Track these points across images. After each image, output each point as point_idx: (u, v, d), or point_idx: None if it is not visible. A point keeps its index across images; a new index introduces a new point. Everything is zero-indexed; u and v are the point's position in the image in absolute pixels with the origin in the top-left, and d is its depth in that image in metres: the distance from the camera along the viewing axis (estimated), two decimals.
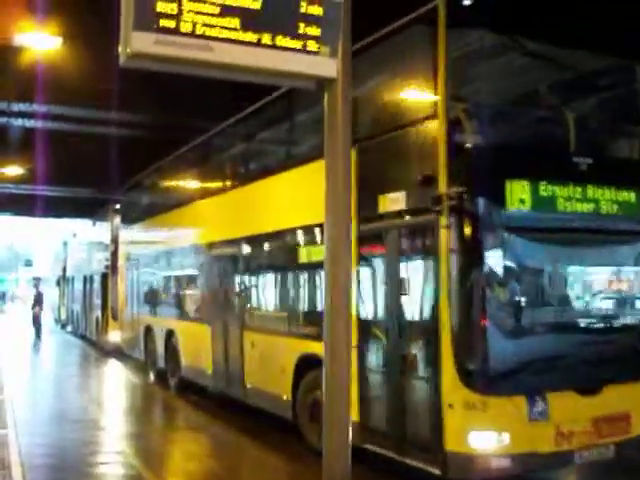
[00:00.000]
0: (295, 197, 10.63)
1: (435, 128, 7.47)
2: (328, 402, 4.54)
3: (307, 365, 9.72)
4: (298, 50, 4.44)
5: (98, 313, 25.61)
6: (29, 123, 19.77)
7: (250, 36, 4.29)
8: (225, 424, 12.08)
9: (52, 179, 26.17)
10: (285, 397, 10.36)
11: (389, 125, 8.60)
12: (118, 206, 24.90)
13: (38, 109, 18.57)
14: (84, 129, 20.69)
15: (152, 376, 17.09)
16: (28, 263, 68.07)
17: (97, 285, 26.12)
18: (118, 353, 22.40)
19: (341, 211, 4.59)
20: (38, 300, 31.21)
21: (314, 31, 4.49)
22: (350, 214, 4.72)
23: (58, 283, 38.06)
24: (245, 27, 4.28)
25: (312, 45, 4.49)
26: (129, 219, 21.05)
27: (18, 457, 9.21)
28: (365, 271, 8.78)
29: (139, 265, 19.12)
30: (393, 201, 8.18)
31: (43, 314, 30.56)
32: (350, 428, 4.60)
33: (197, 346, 14.06)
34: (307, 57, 4.48)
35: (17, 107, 18.56)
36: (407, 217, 8.09)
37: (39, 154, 22.16)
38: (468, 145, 7.40)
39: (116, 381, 18.63)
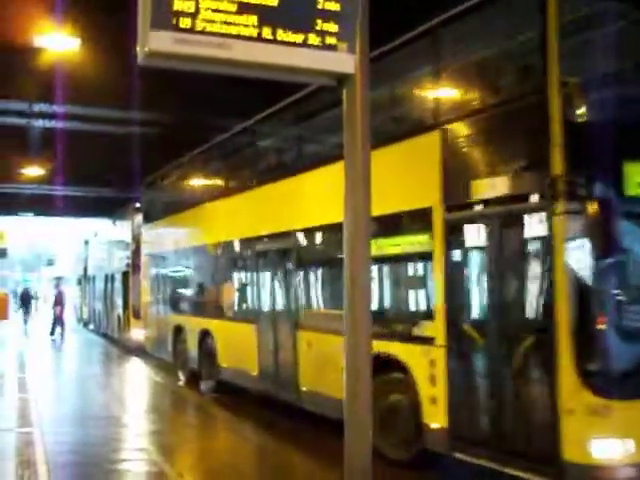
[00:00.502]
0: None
1: (545, 105, 6.76)
2: (348, 395, 4.55)
3: (380, 367, 8.66)
4: (316, 47, 4.43)
5: (119, 311, 25.74)
6: (49, 124, 19.89)
7: (267, 33, 4.29)
8: (259, 426, 11.73)
9: (72, 179, 26.33)
10: None
11: (485, 103, 7.94)
12: (138, 205, 24.99)
13: (58, 110, 18.69)
14: (104, 129, 20.79)
15: (182, 378, 16.39)
16: (50, 263, 68.48)
17: (118, 284, 26.25)
18: (140, 351, 22.50)
19: (360, 208, 4.59)
20: (59, 300, 30.82)
21: (331, 27, 4.48)
22: (369, 211, 4.69)
23: (79, 282, 38.29)
24: (262, 24, 4.28)
25: (330, 41, 4.48)
26: (152, 216, 20.33)
27: (43, 455, 9.29)
28: (454, 263, 8.06)
29: (166, 263, 18.49)
30: (490, 186, 7.48)
31: (65, 314, 30.44)
32: (371, 423, 4.59)
33: (239, 346, 13.42)
34: (325, 53, 4.47)
35: (37, 108, 18.68)
36: (509, 204, 7.33)
37: (59, 154, 22.27)
38: (585, 123, 6.74)
39: (138, 379, 18.71)
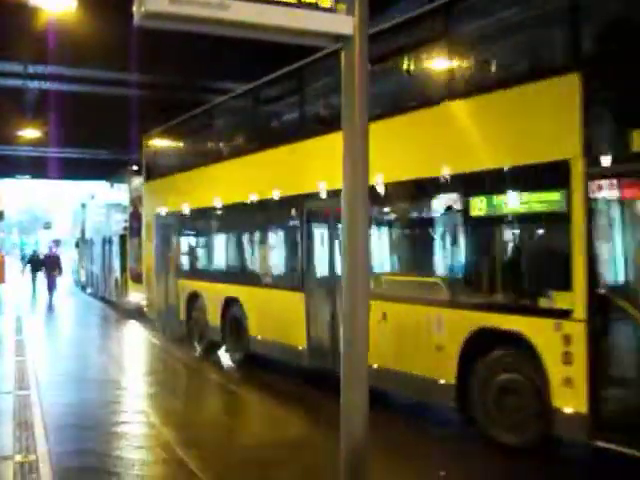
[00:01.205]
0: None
1: None
2: (345, 359, 4.55)
3: (483, 342, 8.16)
4: (314, 7, 4.38)
5: (117, 275, 25.78)
6: (45, 85, 19.78)
7: None
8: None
9: (69, 141, 26.27)
10: (443, 381, 8.66)
11: None
12: (136, 167, 24.90)
13: (54, 71, 18.59)
14: (100, 90, 20.72)
15: (198, 349, 15.40)
16: (47, 226, 68.39)
17: (116, 247, 26.25)
18: (138, 314, 22.57)
19: (359, 175, 4.54)
20: (49, 262, 29.82)
21: None
22: (367, 179, 4.63)
23: (77, 245, 38.30)
24: None
25: (327, 2, 4.43)
26: (157, 172, 18.64)
27: (41, 417, 9.35)
28: (599, 225, 7.14)
29: (178, 224, 16.81)
30: None
31: (60, 278, 29.97)
32: (367, 385, 4.58)
33: (279, 317, 12.15)
34: (323, 14, 4.41)
35: (33, 69, 18.56)
36: None
37: (55, 116, 22.20)
38: None
39: (136, 342, 18.75)
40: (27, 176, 36.84)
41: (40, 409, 9.82)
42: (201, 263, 15.98)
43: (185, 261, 16.66)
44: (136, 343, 18.53)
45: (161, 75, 18.80)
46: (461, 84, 8.84)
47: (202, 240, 16.11)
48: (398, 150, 9.51)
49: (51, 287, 28.57)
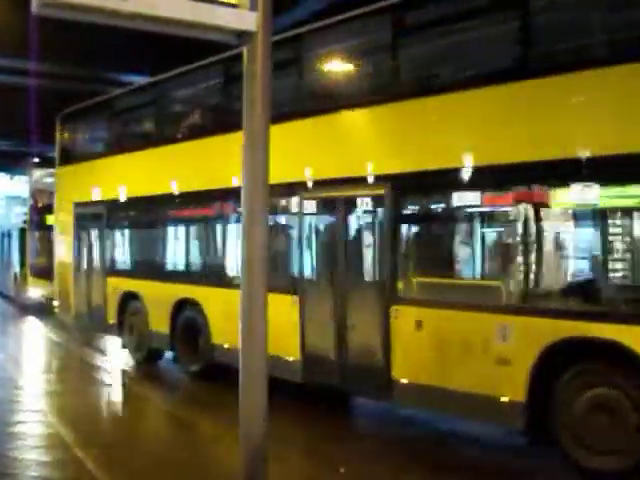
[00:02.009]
0: None
1: None
2: (244, 359, 4.52)
3: (563, 354, 7.16)
4: (216, 2, 4.33)
5: (16, 269, 25.10)
6: None
7: None
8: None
9: None
10: (506, 399, 7.53)
11: None
12: (37, 159, 24.38)
13: None
14: (1, 80, 20.11)
15: (137, 357, 13.78)
16: None
17: (15, 240, 25.56)
18: (37, 310, 22.04)
19: (258, 170, 4.53)
20: None
21: None
22: (267, 174, 4.61)
23: None
24: None
25: None
26: (78, 154, 16.74)
27: None
28: None
29: (109, 213, 14.64)
30: None
31: None
32: (267, 385, 4.57)
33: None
34: (225, 9, 4.37)
35: None
36: None
37: None
38: None
39: (35, 339, 18.28)
40: None
41: None
42: (141, 259, 14.20)
43: (117, 256, 14.77)
44: (35, 340, 18.05)
45: (62, 65, 18.37)
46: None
47: (143, 232, 14.32)
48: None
49: None
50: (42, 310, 22.27)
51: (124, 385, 12.00)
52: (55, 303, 17.03)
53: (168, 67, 12.71)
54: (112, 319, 14.20)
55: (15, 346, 17.06)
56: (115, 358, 14.33)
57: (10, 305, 25.25)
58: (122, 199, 14.13)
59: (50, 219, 23.68)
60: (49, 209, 23.75)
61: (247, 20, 4.44)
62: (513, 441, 8.20)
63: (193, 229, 12.75)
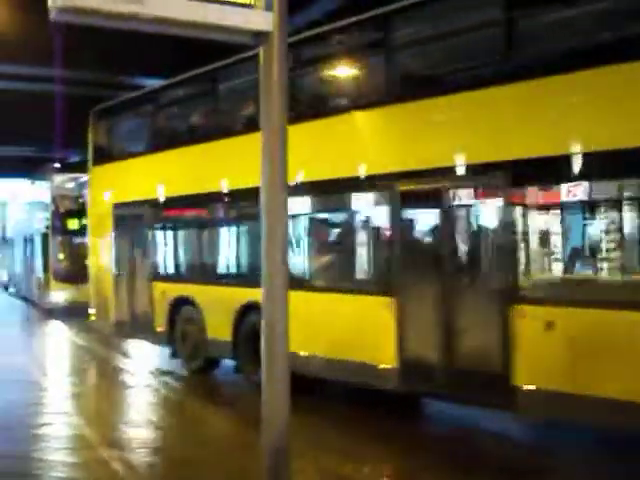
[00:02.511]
0: None
1: None
2: (266, 358, 4.54)
3: None
4: (231, 3, 4.36)
5: (39, 274, 25.29)
6: None
7: None
8: None
9: None
10: None
11: None
12: (57, 165, 24.58)
13: None
14: (20, 87, 20.29)
15: (192, 367, 12.83)
16: None
17: (38, 246, 25.76)
18: (61, 314, 22.23)
19: (277, 167, 4.56)
20: None
21: None
22: (286, 171, 4.64)
23: None
24: None
25: None
26: (116, 152, 15.75)
27: None
28: None
29: (156, 214, 13.74)
30: None
31: None
32: (288, 384, 4.60)
33: (346, 328, 9.57)
34: (241, 10, 4.40)
35: None
36: None
37: None
38: None
39: (59, 342, 18.43)
40: None
41: None
42: (196, 262, 13.14)
43: (166, 260, 13.81)
44: (59, 344, 18.20)
45: (82, 71, 18.50)
46: None
47: (197, 233, 13.25)
48: None
49: None
50: (65, 314, 22.47)
51: (156, 389, 11.96)
52: (91, 311, 15.89)
53: (189, 69, 12.70)
54: (160, 327, 13.26)
55: (39, 349, 17.20)
56: (142, 361, 14.41)
57: (34, 309, 25.47)
58: (171, 198, 13.27)
59: (72, 223, 23.91)
60: (71, 214, 23.99)
61: (263, 20, 4.47)
62: (539, 437, 8.21)
63: (259, 228, 11.47)
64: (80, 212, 24.37)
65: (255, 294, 9.65)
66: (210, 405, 10.57)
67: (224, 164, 11.94)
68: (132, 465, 7.43)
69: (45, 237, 24.44)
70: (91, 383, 12.61)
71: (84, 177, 25.55)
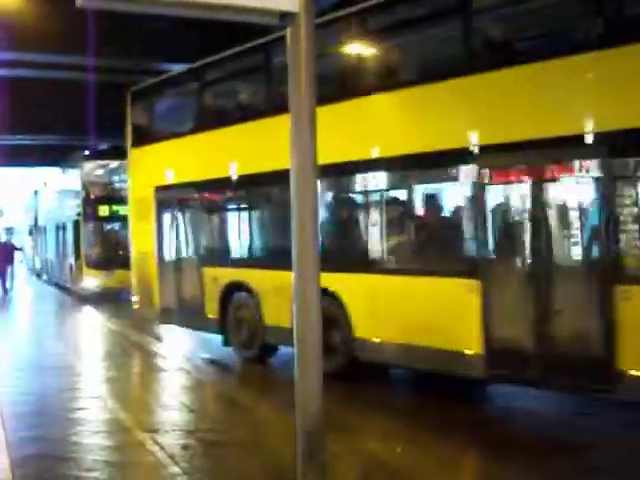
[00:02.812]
0: None
1: None
2: (299, 341, 4.55)
3: None
4: None
5: (71, 260, 25.52)
6: None
7: None
8: None
9: (19, 127, 25.88)
10: None
11: None
12: (87, 152, 24.75)
13: (1, 57, 18.26)
14: (50, 75, 20.40)
15: (246, 355, 12.34)
16: None
17: (69, 233, 25.97)
18: (93, 300, 22.45)
19: (306, 153, 4.53)
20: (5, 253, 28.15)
21: None
22: (315, 156, 4.61)
23: (31, 232, 37.83)
24: None
25: None
26: (157, 132, 15.11)
27: None
28: None
29: (204, 196, 13.31)
30: None
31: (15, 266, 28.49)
32: (321, 366, 4.61)
33: (426, 313, 9.06)
34: None
35: None
36: None
37: (4, 102, 21.83)
38: None
39: (92, 328, 18.62)
40: None
41: None
42: (252, 245, 12.39)
43: (217, 244, 13.34)
44: (92, 329, 18.39)
45: (110, 59, 18.55)
46: None
47: (255, 216, 12.51)
48: None
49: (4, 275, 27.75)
50: (97, 300, 22.70)
51: (188, 372, 12.04)
52: (133, 298, 15.38)
53: (213, 53, 12.66)
54: (212, 314, 12.76)
55: (73, 335, 17.41)
56: (175, 345, 14.51)
57: (68, 296, 25.73)
58: (222, 179, 12.54)
59: (103, 210, 24.10)
60: (101, 201, 24.17)
61: (289, 1, 4.44)
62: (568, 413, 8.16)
63: (330, 208, 11.04)
64: (110, 199, 24.60)
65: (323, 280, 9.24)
66: (248, 390, 10.64)
67: (282, 142, 10.76)
68: (167, 447, 7.50)
69: (76, 224, 24.62)
70: (125, 367, 12.70)
71: (114, 164, 25.84)
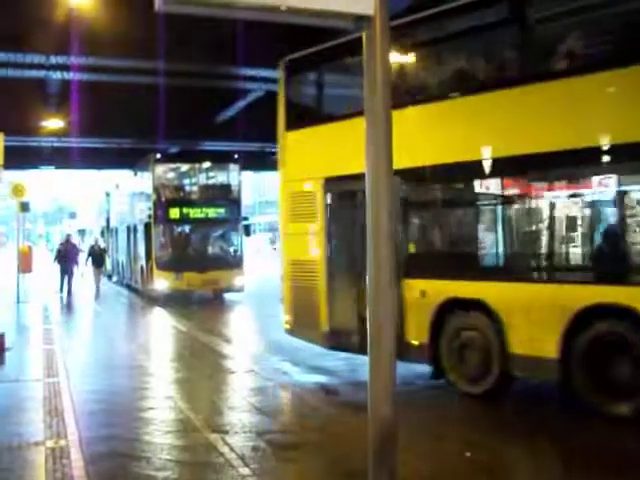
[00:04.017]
0: None
1: None
2: (373, 339, 4.52)
3: None
4: None
5: (143, 262, 25.89)
6: (68, 76, 19.85)
7: None
8: None
9: (92, 131, 26.41)
10: None
11: None
12: (159, 155, 25.10)
13: (76, 61, 18.64)
14: (123, 79, 20.75)
15: (473, 390, 9.76)
16: (72, 216, 68.96)
17: (141, 235, 26.34)
18: (163, 302, 22.75)
19: (382, 157, 4.51)
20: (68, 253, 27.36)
21: None
22: (391, 161, 4.59)
23: (102, 234, 38.54)
24: None
25: None
26: (325, 111, 12.65)
27: (70, 404, 9.43)
28: None
29: (414, 188, 10.74)
30: None
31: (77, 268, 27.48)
32: (394, 365, 4.57)
33: None
34: None
35: (55, 60, 18.64)
36: None
37: (78, 106, 22.32)
38: None
39: (162, 329, 18.86)
40: (51, 167, 37.04)
41: (69, 396, 9.90)
42: (498, 252, 9.99)
43: (429, 248, 11.04)
44: (162, 330, 18.63)
45: (183, 63, 18.78)
46: None
47: (499, 212, 10.05)
48: None
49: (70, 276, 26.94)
50: (167, 301, 23.01)
51: (257, 374, 12.08)
52: (285, 317, 12.80)
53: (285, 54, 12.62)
54: (417, 338, 10.27)
55: (144, 336, 17.65)
56: (243, 347, 14.61)
57: (138, 297, 26.12)
58: (465, 164, 9.98)
59: (174, 213, 24.44)
60: (173, 203, 24.52)
61: (365, 4, 4.43)
62: None
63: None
64: (182, 202, 24.94)
65: (607, 293, 8.14)
66: (317, 391, 10.65)
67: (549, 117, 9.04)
68: (237, 448, 7.54)
69: (148, 226, 24.94)
70: (194, 368, 12.82)
71: (185, 167, 26.22)
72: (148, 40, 15.79)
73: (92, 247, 28.93)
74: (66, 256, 27.10)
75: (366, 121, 4.52)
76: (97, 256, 27.85)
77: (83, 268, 28.43)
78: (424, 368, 10.36)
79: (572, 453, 7.52)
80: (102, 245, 30.88)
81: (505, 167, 9.51)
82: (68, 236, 30.67)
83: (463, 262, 10.20)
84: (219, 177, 26.84)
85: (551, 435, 8.05)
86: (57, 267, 27.14)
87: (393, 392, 4.51)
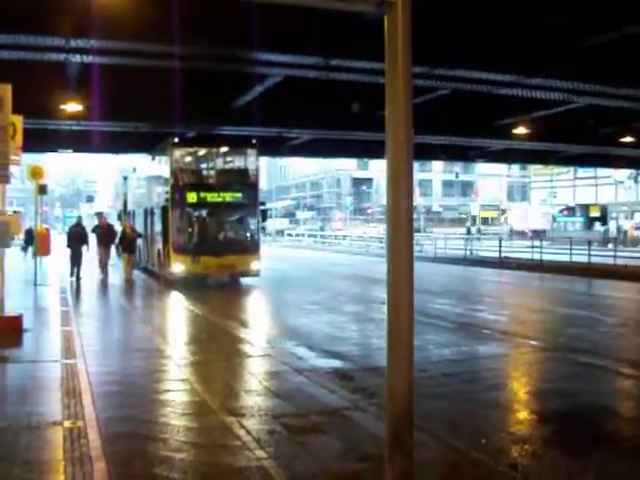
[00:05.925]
0: None
1: None
2: (391, 324, 4.53)
3: None
4: None
5: (159, 246, 25.98)
6: (87, 59, 19.86)
7: None
8: None
9: (111, 114, 26.41)
10: None
11: None
12: (177, 139, 25.12)
13: (95, 44, 18.63)
14: (142, 63, 20.73)
15: None
16: (89, 199, 69.28)
17: (158, 218, 26.40)
18: (180, 285, 22.83)
19: (403, 160, 4.47)
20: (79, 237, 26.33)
21: None
22: (411, 164, 4.55)
23: (119, 217, 38.68)
24: None
25: None
26: None
27: (87, 385, 9.51)
28: None
29: None
30: None
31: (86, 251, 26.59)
32: (412, 349, 4.57)
33: None
34: None
35: (74, 43, 18.64)
36: None
37: (97, 90, 22.33)
38: None
39: (179, 312, 18.95)
40: (69, 150, 37.12)
41: (87, 377, 9.99)
42: None
43: None
44: (178, 313, 18.72)
45: (201, 46, 18.74)
46: None
47: None
48: None
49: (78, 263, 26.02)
50: (184, 284, 23.10)
51: (273, 358, 12.13)
52: None
53: (312, 44, 12.64)
54: None
55: (160, 319, 17.75)
56: (260, 331, 14.67)
57: (155, 280, 26.23)
58: None
59: (191, 197, 24.50)
60: (190, 188, 24.58)
61: None
62: None
63: None
64: (199, 186, 24.99)
65: None
66: (333, 375, 10.69)
67: None
68: (253, 431, 7.59)
69: (165, 210, 24.99)
70: (210, 351, 12.88)
71: (202, 151, 26.26)
72: (165, 22, 15.78)
73: (123, 231, 28.43)
74: (101, 237, 26.90)
75: (387, 107, 4.51)
76: (131, 241, 27.35)
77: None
78: (438, 355, 10.35)
79: None
80: (136, 229, 29.48)
81: None
82: (101, 216, 30.32)
83: None
84: (237, 162, 26.87)
85: None
86: (68, 251, 26.26)
87: (411, 370, 4.52)
